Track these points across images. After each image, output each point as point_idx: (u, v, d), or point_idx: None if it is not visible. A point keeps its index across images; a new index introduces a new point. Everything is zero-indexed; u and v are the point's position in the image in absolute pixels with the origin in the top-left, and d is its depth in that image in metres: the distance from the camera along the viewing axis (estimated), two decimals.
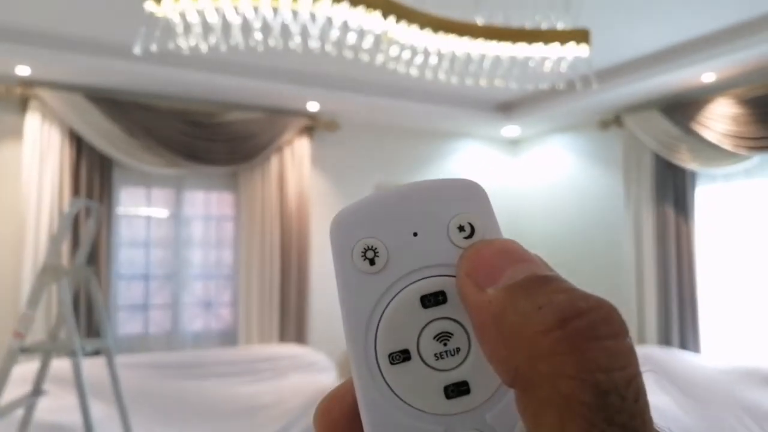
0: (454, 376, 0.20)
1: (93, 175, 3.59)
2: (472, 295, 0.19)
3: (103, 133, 3.57)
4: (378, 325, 0.20)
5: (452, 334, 0.20)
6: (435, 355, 0.20)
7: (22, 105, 3.52)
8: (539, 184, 5.12)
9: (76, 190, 3.54)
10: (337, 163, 4.51)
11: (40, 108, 3.49)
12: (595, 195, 4.60)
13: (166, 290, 3.95)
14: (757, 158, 3.51)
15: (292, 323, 4.04)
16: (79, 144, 3.57)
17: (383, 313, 0.20)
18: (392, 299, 0.21)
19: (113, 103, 3.62)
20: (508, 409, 0.20)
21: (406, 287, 0.21)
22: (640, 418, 0.16)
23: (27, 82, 3.49)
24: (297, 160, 4.18)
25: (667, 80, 3.58)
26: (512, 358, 0.17)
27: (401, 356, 0.20)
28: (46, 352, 2.46)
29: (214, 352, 3.85)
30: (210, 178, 4.07)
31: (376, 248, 0.21)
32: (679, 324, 3.83)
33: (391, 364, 0.20)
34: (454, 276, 0.20)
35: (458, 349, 0.20)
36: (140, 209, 3.92)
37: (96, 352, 2.85)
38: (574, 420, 0.16)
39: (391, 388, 0.20)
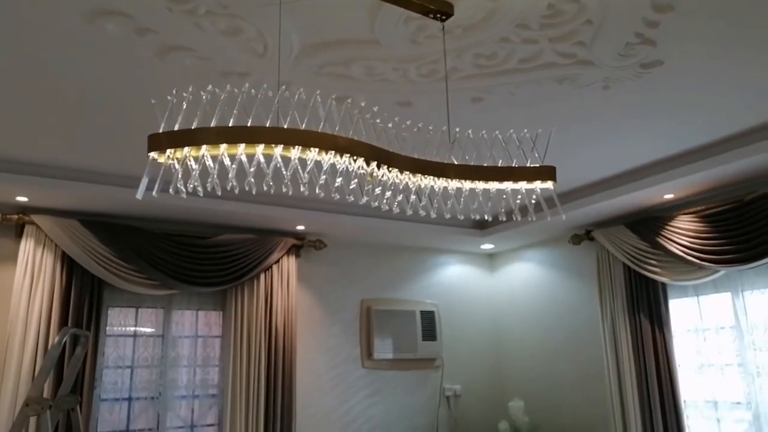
0: None
1: (83, 296, 3.64)
2: None
3: (97, 257, 3.67)
4: None
5: None
6: None
7: (19, 230, 3.63)
8: (517, 297, 5.25)
9: (65, 312, 3.57)
10: (323, 279, 4.63)
11: (35, 233, 3.60)
12: (573, 306, 4.72)
13: (150, 412, 3.88)
14: (723, 271, 3.68)
15: None
16: (71, 266, 3.65)
17: None
18: None
19: (108, 227, 3.75)
20: None
21: None
22: None
23: (24, 209, 3.63)
24: (284, 278, 4.28)
25: (631, 198, 3.84)
26: None
27: None
28: None
29: None
30: (199, 296, 4.14)
31: None
32: None
33: None
34: None
35: None
36: (128, 328, 3.94)
37: None
38: None
39: None
